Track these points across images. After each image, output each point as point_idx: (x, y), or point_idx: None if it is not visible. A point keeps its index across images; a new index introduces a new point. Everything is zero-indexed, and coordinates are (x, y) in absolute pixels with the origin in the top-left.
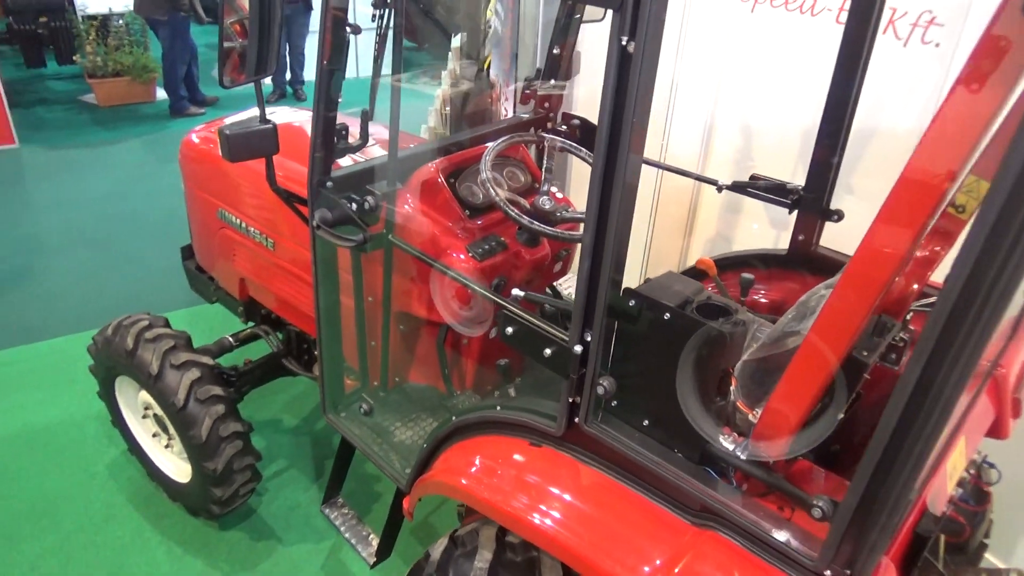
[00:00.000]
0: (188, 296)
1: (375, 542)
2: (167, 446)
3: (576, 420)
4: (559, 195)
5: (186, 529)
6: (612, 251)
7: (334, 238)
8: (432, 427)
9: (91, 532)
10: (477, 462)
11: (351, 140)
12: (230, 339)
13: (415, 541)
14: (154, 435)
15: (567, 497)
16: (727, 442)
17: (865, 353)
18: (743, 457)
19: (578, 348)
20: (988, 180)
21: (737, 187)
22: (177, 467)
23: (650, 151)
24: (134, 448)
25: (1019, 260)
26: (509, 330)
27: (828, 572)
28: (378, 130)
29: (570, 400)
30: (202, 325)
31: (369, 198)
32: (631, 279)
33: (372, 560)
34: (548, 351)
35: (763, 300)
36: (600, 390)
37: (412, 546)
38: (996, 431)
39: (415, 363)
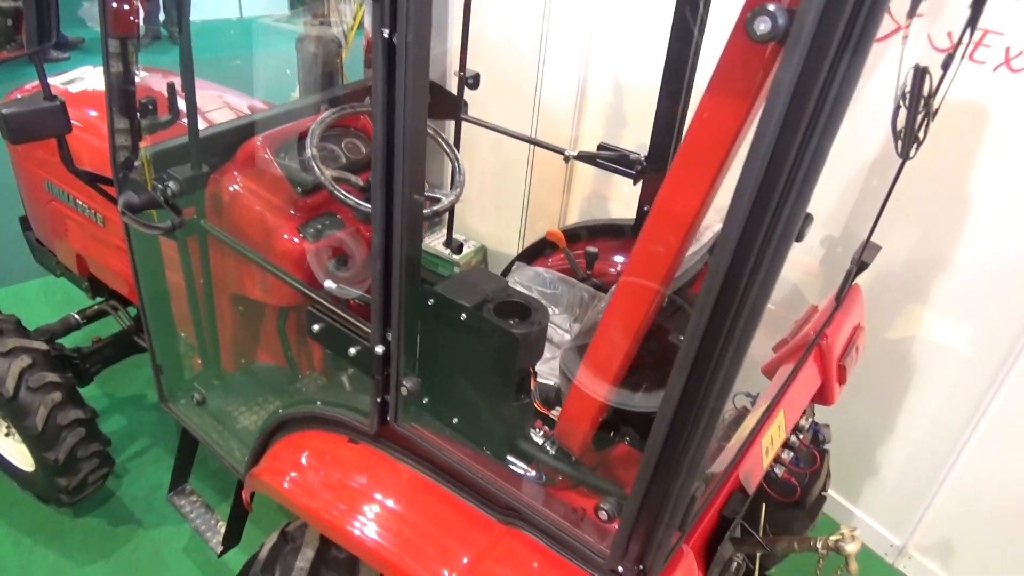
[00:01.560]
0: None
1: (224, 530)
2: (7, 434)
3: (388, 418)
4: None
5: (37, 518)
6: (402, 249)
7: (140, 226)
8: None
9: None
10: (297, 460)
11: (161, 115)
12: (76, 316)
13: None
14: None
15: (379, 498)
16: (537, 437)
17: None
18: (551, 452)
19: (379, 348)
20: None
21: (583, 157)
22: (21, 455)
23: (524, 106)
24: None
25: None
26: (315, 327)
27: (621, 568)
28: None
29: (379, 399)
30: (59, 296)
31: (171, 183)
32: (510, 243)
33: (219, 549)
34: (353, 350)
35: (612, 271)
36: (404, 391)
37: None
38: (823, 398)
39: (259, 344)
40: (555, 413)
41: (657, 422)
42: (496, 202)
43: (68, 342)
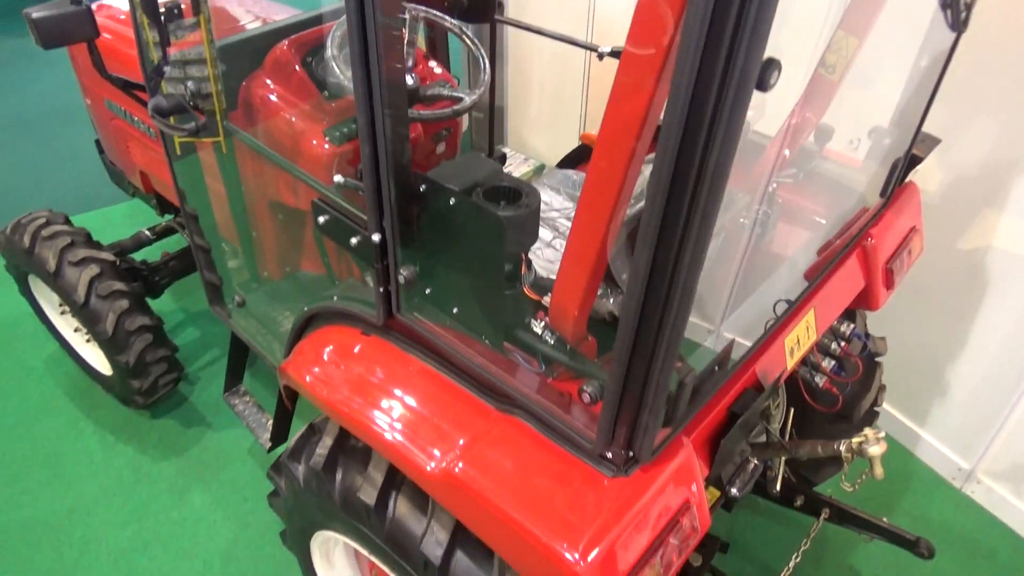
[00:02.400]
0: None
1: (271, 428)
2: (88, 340)
3: (392, 309)
4: (437, 70)
5: (118, 419)
6: (387, 129)
7: (167, 128)
8: None
9: (28, 425)
10: (319, 354)
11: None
12: (147, 233)
13: None
14: (75, 330)
15: (386, 388)
16: (537, 327)
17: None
18: (551, 341)
19: (376, 237)
20: (857, 37)
21: (616, 54)
22: (101, 360)
23: (578, 11)
24: (63, 343)
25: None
26: (321, 219)
27: (609, 454)
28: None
29: (380, 290)
30: (143, 218)
31: (190, 83)
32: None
33: (267, 445)
34: (354, 240)
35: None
36: (402, 279)
37: None
38: (867, 302)
39: (298, 251)
40: (548, 300)
41: (626, 298)
42: (553, 115)
43: (142, 257)
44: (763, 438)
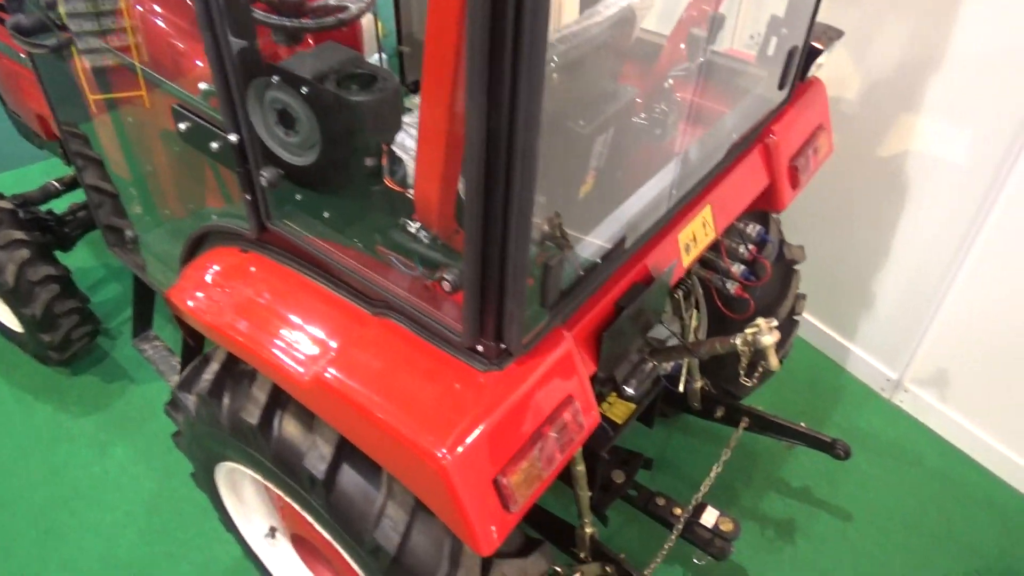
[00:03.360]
0: None
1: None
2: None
3: (262, 219)
4: None
5: (37, 378)
6: (223, 14)
7: (28, 45)
8: None
9: None
10: (201, 278)
11: None
12: (55, 184)
13: None
14: None
15: (262, 303)
16: (412, 226)
17: None
18: (425, 240)
19: (233, 137)
20: None
21: None
22: (9, 315)
23: None
24: None
25: None
26: (183, 127)
27: (480, 347)
28: None
29: (248, 197)
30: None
31: None
32: None
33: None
34: (215, 145)
35: None
36: (263, 182)
37: None
38: (772, 202)
39: (196, 184)
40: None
41: (467, 169)
42: None
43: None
44: (672, 343)
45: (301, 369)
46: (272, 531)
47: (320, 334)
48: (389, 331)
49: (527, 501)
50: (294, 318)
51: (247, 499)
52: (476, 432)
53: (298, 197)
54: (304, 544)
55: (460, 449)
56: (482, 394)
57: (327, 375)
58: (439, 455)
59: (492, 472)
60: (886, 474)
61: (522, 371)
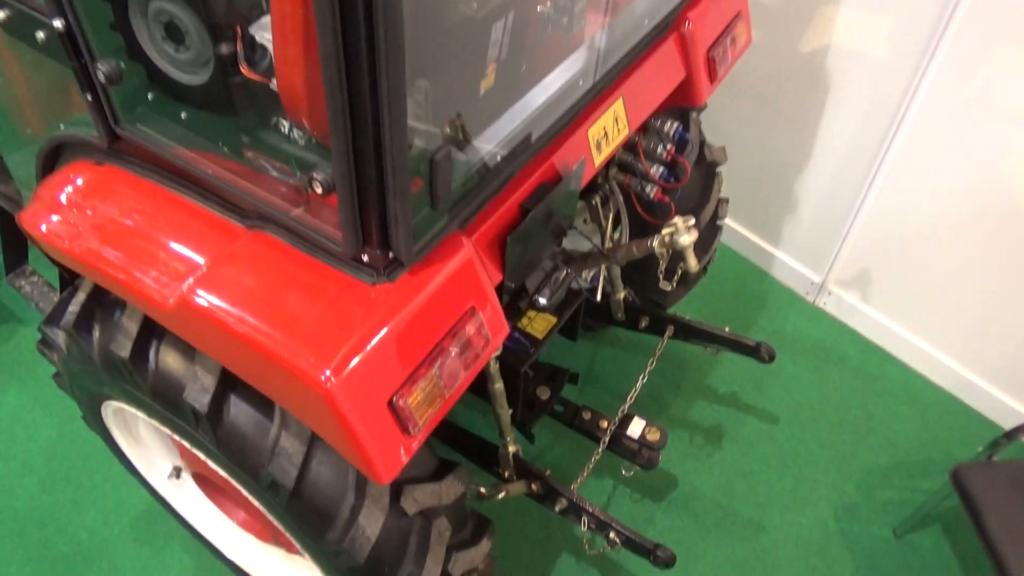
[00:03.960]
0: None
1: None
2: None
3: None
4: None
5: None
6: None
7: None
8: None
9: None
10: (55, 198)
11: None
12: None
13: None
14: None
15: (120, 222)
16: (285, 125)
17: None
18: (299, 141)
19: (58, 23)
20: None
21: None
22: None
23: None
24: None
25: None
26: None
27: (365, 256)
28: None
29: (89, 98)
30: None
31: None
32: None
33: None
34: (41, 35)
35: None
36: (101, 78)
37: None
38: (688, 97)
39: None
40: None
41: (320, 37)
42: None
43: None
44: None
45: (165, 291)
46: (176, 471)
47: (185, 252)
48: (265, 245)
49: (429, 423)
50: (156, 236)
51: (144, 439)
52: (365, 351)
53: (150, 96)
54: (209, 483)
55: (347, 370)
56: (371, 309)
57: (193, 296)
58: (322, 378)
59: (386, 394)
60: (810, 375)
61: (416, 282)
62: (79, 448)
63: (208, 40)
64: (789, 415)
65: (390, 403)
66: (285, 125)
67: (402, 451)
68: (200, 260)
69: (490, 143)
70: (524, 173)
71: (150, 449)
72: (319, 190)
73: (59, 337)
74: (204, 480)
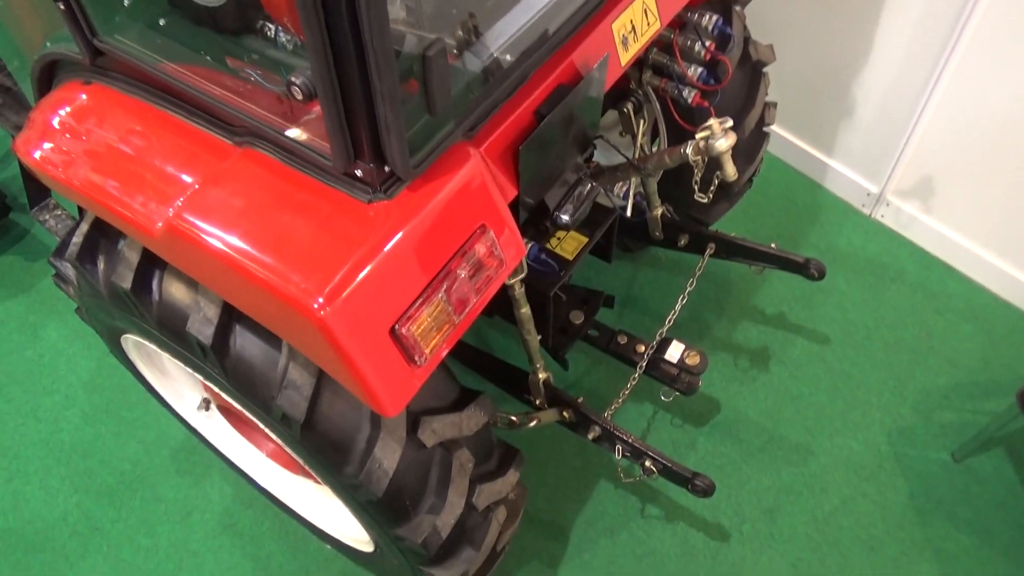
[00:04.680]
0: None
1: None
2: None
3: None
4: None
5: None
6: None
7: None
8: None
9: None
10: (48, 124)
11: None
12: None
13: None
14: None
15: (110, 144)
16: (271, 28)
17: None
18: (287, 44)
19: None
20: None
21: None
22: None
23: None
24: None
25: None
26: None
27: (359, 171)
28: None
29: (61, 7)
30: None
31: None
32: None
33: None
34: None
35: None
36: None
37: None
38: None
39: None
40: None
41: None
42: None
43: None
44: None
45: (152, 217)
46: (206, 403)
47: (174, 173)
48: (255, 163)
49: (438, 351)
50: (144, 158)
51: (170, 371)
52: (362, 275)
53: (126, 2)
54: (233, 415)
55: (342, 297)
56: (368, 229)
57: (180, 221)
58: (315, 306)
59: (387, 321)
60: (866, 292)
61: (418, 198)
62: (118, 381)
63: None
64: (841, 335)
65: (392, 331)
66: (271, 28)
67: (408, 382)
68: (188, 182)
69: (498, 39)
70: (539, 74)
71: (177, 381)
72: (299, 96)
73: (68, 270)
74: (229, 412)
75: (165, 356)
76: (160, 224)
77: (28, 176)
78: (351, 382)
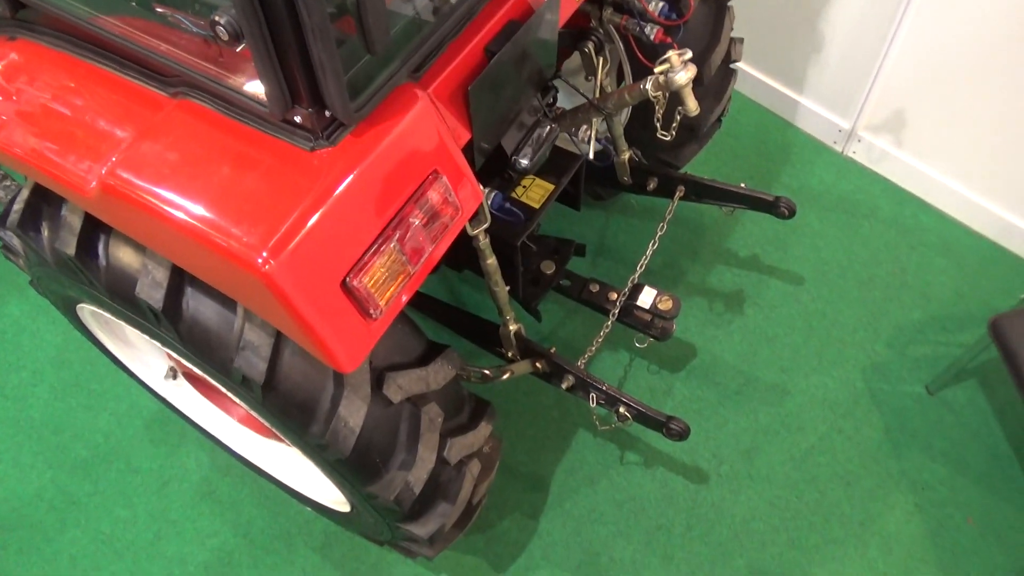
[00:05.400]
0: None
1: None
2: None
3: None
4: None
5: None
6: None
7: None
8: None
9: None
10: None
11: None
12: None
13: None
14: None
15: (37, 100)
16: None
17: None
18: None
19: None
20: None
21: None
22: None
23: None
24: None
25: None
26: None
27: (298, 118)
28: None
29: None
30: None
31: None
32: None
33: None
34: None
35: None
36: None
37: None
38: None
39: None
40: None
41: None
42: None
43: None
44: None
45: (87, 176)
46: (172, 372)
47: (106, 128)
48: (190, 114)
49: (394, 304)
50: (74, 114)
51: (132, 340)
52: (307, 227)
53: None
54: (199, 381)
55: (287, 250)
56: (312, 178)
57: (113, 179)
58: (259, 260)
59: (338, 274)
60: (839, 230)
61: (363, 144)
62: (86, 354)
63: None
64: (815, 274)
65: (344, 283)
66: None
67: (364, 337)
68: (121, 137)
69: None
70: (488, 9)
71: (141, 351)
72: (224, 36)
73: (14, 240)
74: (196, 379)
75: (125, 325)
76: (94, 183)
77: None
78: (304, 339)
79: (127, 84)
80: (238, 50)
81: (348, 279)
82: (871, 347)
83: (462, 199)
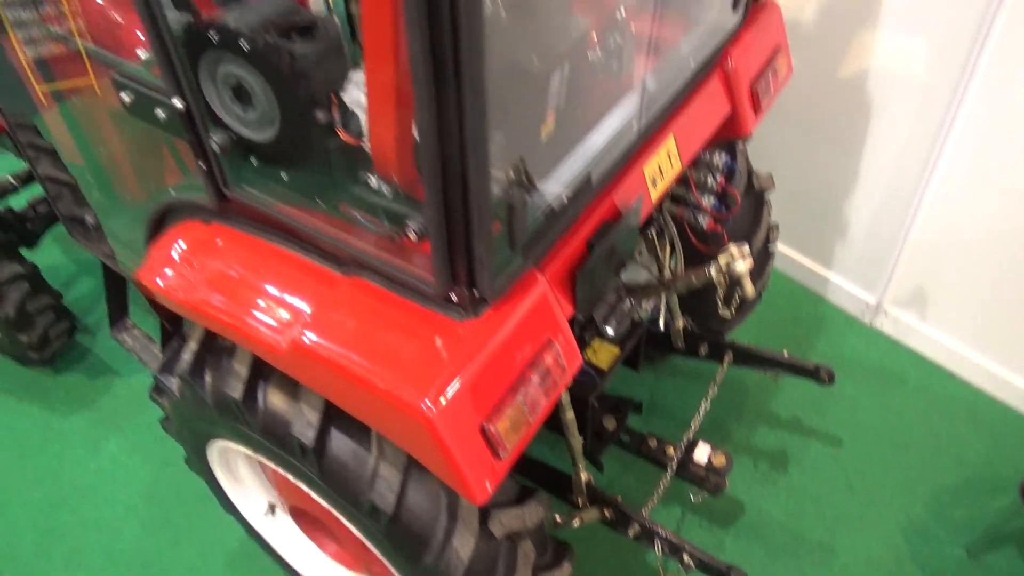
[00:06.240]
0: None
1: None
2: None
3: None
4: None
5: (20, 381)
6: None
7: None
8: None
9: None
10: (167, 255)
11: None
12: (11, 179)
13: None
14: None
15: (232, 274)
16: (373, 180)
17: None
18: (387, 194)
19: (178, 102)
20: None
21: None
22: None
23: None
24: None
25: None
26: (126, 98)
27: (454, 296)
28: None
29: (202, 166)
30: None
31: None
32: None
33: None
34: (161, 113)
35: None
36: (215, 147)
37: None
38: (735, 128)
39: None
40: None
41: (417, 108)
42: None
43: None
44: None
45: (277, 336)
46: (271, 508)
47: (293, 299)
48: (362, 290)
49: (516, 447)
50: (265, 286)
51: (242, 477)
52: (458, 380)
53: (254, 161)
54: (304, 516)
55: (443, 399)
56: (461, 343)
57: (303, 339)
58: (423, 407)
59: (478, 420)
60: (872, 397)
61: (499, 316)
62: (175, 491)
63: (306, 114)
64: (852, 438)
65: (482, 428)
66: (373, 180)
67: (493, 474)
68: (306, 307)
69: (555, 185)
70: (588, 211)
71: (248, 487)
72: (413, 237)
73: (173, 384)
74: (298, 513)
75: (241, 462)
76: (284, 342)
77: (111, 299)
78: (447, 472)
79: (305, 262)
80: (414, 245)
81: (485, 424)
82: (911, 509)
83: (568, 361)
